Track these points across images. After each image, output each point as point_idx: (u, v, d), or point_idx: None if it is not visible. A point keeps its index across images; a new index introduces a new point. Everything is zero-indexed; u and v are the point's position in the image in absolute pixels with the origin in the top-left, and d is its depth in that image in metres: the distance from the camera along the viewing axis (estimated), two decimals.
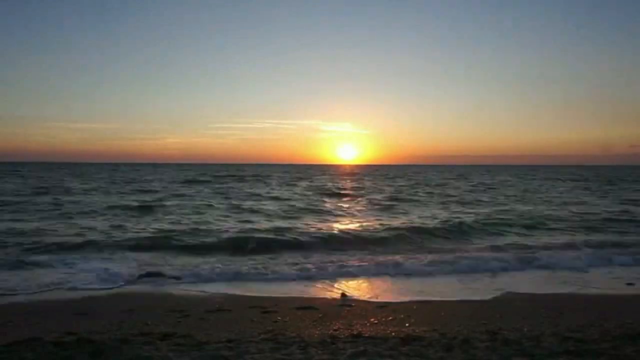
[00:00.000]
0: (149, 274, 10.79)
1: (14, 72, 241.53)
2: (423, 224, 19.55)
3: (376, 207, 27.40)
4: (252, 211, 24.11)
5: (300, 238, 16.01)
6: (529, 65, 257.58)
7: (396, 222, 20.05)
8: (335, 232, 17.66)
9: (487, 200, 32.44)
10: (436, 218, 21.39)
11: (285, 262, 12.69)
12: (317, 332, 6.40)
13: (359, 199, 33.03)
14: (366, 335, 6.04)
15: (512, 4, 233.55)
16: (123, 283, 10.20)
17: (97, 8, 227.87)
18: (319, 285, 10.52)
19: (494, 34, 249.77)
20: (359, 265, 12.23)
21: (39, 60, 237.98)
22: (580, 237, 17.31)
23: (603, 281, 10.98)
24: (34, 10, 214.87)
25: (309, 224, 19.68)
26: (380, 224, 19.38)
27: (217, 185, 45.16)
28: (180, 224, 19.16)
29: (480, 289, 10.12)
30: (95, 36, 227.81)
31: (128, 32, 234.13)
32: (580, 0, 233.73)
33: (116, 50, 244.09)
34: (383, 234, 17.17)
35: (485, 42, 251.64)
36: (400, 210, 25.41)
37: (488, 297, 9.35)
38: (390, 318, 7.41)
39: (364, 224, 19.91)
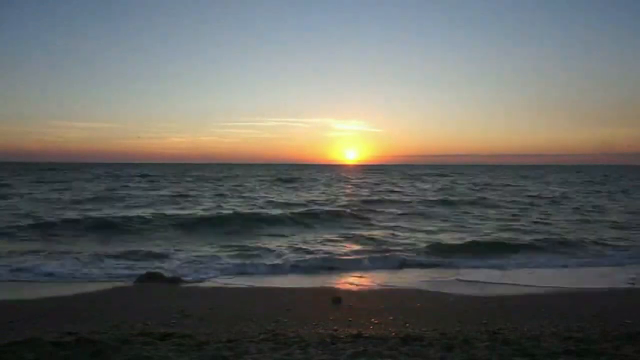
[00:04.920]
0: (149, 275, 10.77)
1: (16, 72, 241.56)
2: None
3: None
4: None
5: None
6: (536, 65, 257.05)
7: None
8: None
9: None
10: None
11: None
12: (317, 332, 6.39)
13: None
14: (366, 335, 6.04)
15: (515, 5, 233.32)
16: None
17: (99, 7, 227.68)
18: (320, 283, 10.54)
19: (495, 34, 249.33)
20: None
21: (41, 60, 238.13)
22: None
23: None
24: (36, 10, 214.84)
25: None
26: None
27: None
28: None
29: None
30: (98, 35, 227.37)
31: (134, 30, 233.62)
32: (580, 0, 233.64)
33: (121, 48, 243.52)
34: None
35: (488, 42, 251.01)
36: None
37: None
38: (391, 318, 7.40)
39: None
